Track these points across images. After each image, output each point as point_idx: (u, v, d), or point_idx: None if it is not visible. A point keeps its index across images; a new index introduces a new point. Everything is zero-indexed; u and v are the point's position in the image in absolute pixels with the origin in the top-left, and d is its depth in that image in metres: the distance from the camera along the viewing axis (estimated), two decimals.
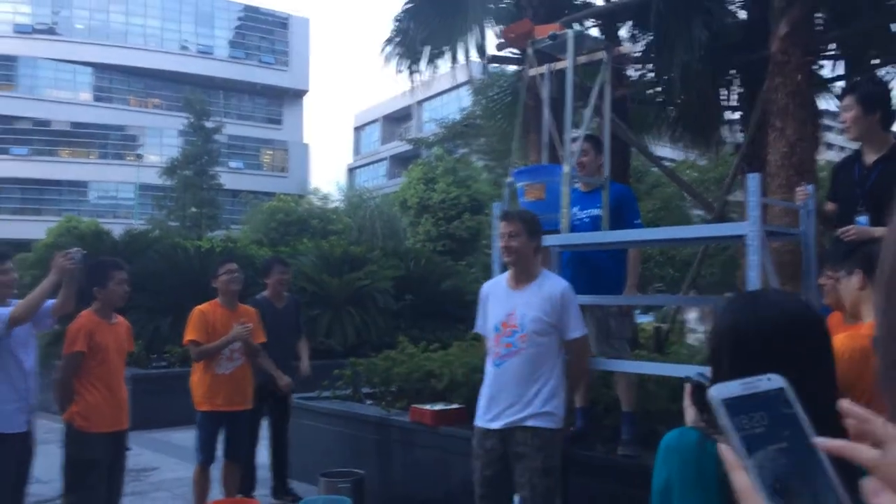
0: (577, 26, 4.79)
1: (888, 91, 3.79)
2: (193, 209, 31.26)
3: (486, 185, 26.91)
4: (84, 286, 4.35)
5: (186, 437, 8.74)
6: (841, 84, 7.98)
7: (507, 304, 3.81)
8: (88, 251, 4.45)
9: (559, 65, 4.76)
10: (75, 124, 46.79)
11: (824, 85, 7.95)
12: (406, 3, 7.71)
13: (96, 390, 4.33)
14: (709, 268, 18.54)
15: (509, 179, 4.64)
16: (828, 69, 8.01)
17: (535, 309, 3.72)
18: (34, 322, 4.13)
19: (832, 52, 7.88)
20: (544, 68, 4.74)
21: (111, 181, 46.30)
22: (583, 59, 4.64)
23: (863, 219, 3.37)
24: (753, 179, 3.46)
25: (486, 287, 4.06)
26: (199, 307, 5.40)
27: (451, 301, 13.02)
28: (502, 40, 7.45)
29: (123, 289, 4.44)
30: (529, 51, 4.65)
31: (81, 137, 47.51)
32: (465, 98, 37.75)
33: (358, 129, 63.71)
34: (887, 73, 7.50)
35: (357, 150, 63.59)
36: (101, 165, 46.85)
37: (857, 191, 3.55)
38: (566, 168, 4.24)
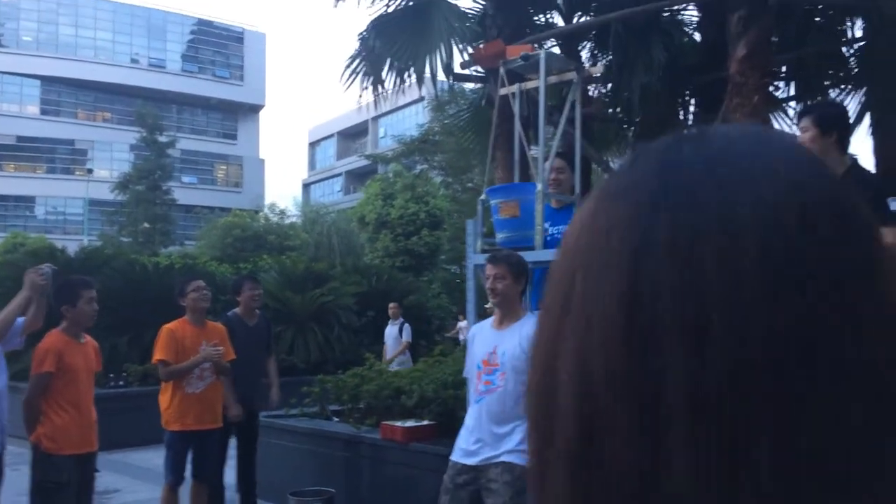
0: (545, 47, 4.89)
1: (844, 113, 3.96)
2: (146, 225, 30.72)
3: (443, 201, 27.00)
4: (52, 304, 4.27)
5: (146, 458, 8.59)
6: (794, 104, 8.28)
7: (489, 344, 3.93)
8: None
9: (529, 84, 4.86)
10: (21, 138, 45.70)
11: (778, 105, 8.22)
12: (372, 21, 7.76)
13: (64, 412, 4.24)
14: None
15: (483, 197, 4.71)
16: (780, 90, 8.28)
17: (514, 347, 3.82)
18: (2, 340, 4.04)
19: (784, 74, 8.16)
20: (515, 87, 4.82)
21: (59, 196, 45.27)
22: (553, 78, 4.74)
23: None
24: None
25: (473, 329, 4.20)
26: (167, 326, 5.33)
27: (414, 317, 13.01)
28: (468, 59, 7.57)
29: (93, 308, 4.36)
30: (501, 70, 4.74)
31: (28, 151, 46.40)
32: (421, 114, 37.94)
33: (313, 145, 63.44)
34: (838, 94, 7.80)
35: (312, 166, 63.29)
36: (48, 180, 45.79)
37: None
38: (539, 186, 4.32)
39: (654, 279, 0.37)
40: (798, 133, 3.74)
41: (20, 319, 4.08)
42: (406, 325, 10.99)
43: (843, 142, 3.61)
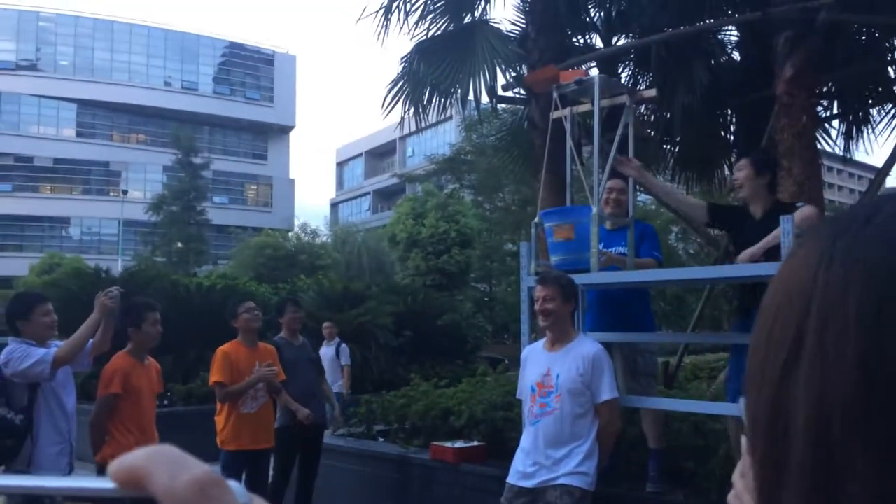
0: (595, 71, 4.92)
1: (776, 161, 4.62)
2: (180, 245, 31.15)
3: (474, 220, 27.09)
4: (118, 327, 4.37)
5: None
6: (836, 123, 8.23)
7: (542, 366, 3.93)
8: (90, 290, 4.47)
9: (581, 108, 4.90)
10: (58, 160, 46.67)
11: (820, 124, 8.17)
12: (415, 45, 7.87)
13: (129, 433, 4.33)
14: (693, 304, 18.75)
15: (536, 220, 4.74)
16: (824, 109, 8.22)
17: (570, 370, 3.83)
18: (73, 362, 4.14)
19: (828, 93, 8.11)
20: (567, 111, 4.87)
21: (94, 217, 46.06)
22: (605, 102, 4.78)
23: None
24: (786, 222, 3.58)
25: (526, 351, 4.21)
26: (221, 348, 5.40)
27: (449, 336, 13.06)
28: (512, 81, 7.64)
29: (157, 330, 4.46)
30: (554, 94, 4.79)
31: (64, 173, 47.35)
32: (449, 132, 38.14)
33: (341, 164, 64.02)
34: (883, 115, 7.74)
35: (340, 185, 63.82)
36: (83, 201, 46.66)
37: (754, 242, 4.13)
38: (595, 209, 4.35)
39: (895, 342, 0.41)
40: (735, 171, 4.30)
41: (89, 341, 4.18)
42: (344, 347, 9.92)
43: (772, 185, 4.25)
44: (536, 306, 3.97)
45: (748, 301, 4.43)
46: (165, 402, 10.02)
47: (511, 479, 3.99)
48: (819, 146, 8.38)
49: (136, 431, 4.34)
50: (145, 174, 46.99)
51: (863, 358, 0.41)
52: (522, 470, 3.93)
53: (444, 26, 8.18)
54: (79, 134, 48.06)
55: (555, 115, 4.93)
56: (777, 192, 4.47)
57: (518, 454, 4.02)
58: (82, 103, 47.44)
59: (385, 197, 53.86)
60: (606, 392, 3.84)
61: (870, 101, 7.80)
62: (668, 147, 9.11)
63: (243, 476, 5.38)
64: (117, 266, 24.31)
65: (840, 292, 0.43)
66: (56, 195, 46.57)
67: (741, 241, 4.38)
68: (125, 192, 41.96)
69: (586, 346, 3.91)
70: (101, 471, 4.33)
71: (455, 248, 26.17)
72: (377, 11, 8.15)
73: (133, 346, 4.41)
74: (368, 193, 57.42)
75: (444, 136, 40.22)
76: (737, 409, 4.38)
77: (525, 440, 3.99)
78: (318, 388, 6.13)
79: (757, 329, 0.49)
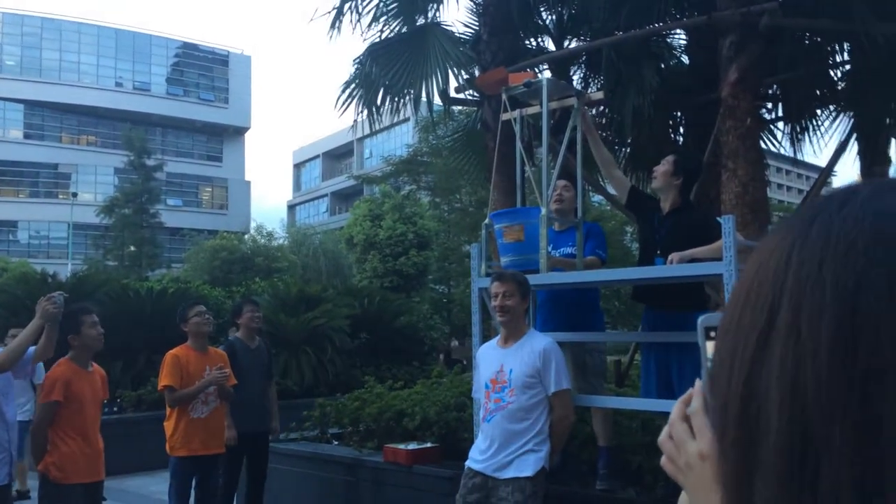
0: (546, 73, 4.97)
1: (697, 168, 4.88)
2: (132, 248, 30.57)
3: (431, 222, 27.08)
4: (60, 335, 4.27)
5: (142, 485, 8.53)
6: (781, 126, 8.42)
7: (496, 362, 4.00)
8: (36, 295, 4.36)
9: (531, 110, 4.94)
10: (4, 162, 45.44)
11: (766, 126, 8.34)
12: (368, 47, 7.84)
13: (72, 440, 4.23)
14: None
15: (486, 221, 4.76)
16: (769, 111, 8.40)
17: (522, 364, 3.90)
18: (14, 370, 4.03)
19: (773, 95, 8.29)
20: (516, 113, 4.90)
21: (42, 220, 44.94)
22: (554, 104, 4.82)
23: (659, 260, 4.12)
24: (727, 221, 3.65)
25: (480, 351, 4.25)
26: (171, 352, 5.32)
27: (406, 338, 13.03)
28: (464, 83, 7.66)
29: (98, 331, 4.39)
30: (503, 96, 4.81)
31: (11, 175, 46.11)
32: (407, 133, 38.10)
33: (298, 166, 63.51)
34: (826, 116, 7.95)
35: (297, 187, 63.31)
36: (31, 204, 45.48)
37: (655, 236, 4.41)
38: (544, 210, 4.38)
39: (872, 318, 0.41)
40: (661, 162, 4.51)
41: (31, 348, 4.08)
42: (38, 364, 7.74)
43: (684, 187, 4.45)
44: (494, 303, 4.01)
45: (644, 298, 4.62)
46: (115, 409, 9.82)
47: (469, 463, 4.03)
48: (766, 147, 8.58)
49: (78, 439, 4.25)
50: (96, 176, 46.00)
51: (839, 333, 0.41)
52: (479, 456, 3.99)
53: (396, 28, 8.16)
54: (26, 136, 46.84)
55: (504, 117, 4.96)
56: (690, 198, 4.69)
57: (473, 449, 4.09)
58: (30, 104, 46.27)
59: (343, 199, 53.59)
60: (557, 384, 3.88)
61: (814, 103, 7.99)
62: (619, 148, 9.22)
63: (193, 482, 5.30)
64: (66, 270, 23.76)
65: (815, 270, 0.43)
66: (3, 198, 45.32)
67: (644, 230, 4.65)
68: (75, 194, 40.94)
69: (537, 340, 3.97)
70: (43, 480, 4.23)
71: (413, 249, 26.13)
72: (329, 12, 8.11)
73: (75, 353, 4.31)
74: (326, 195, 57.05)
75: (402, 138, 40.20)
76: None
77: (481, 435, 4.06)
78: (265, 396, 6.07)
79: (725, 319, 0.50)
